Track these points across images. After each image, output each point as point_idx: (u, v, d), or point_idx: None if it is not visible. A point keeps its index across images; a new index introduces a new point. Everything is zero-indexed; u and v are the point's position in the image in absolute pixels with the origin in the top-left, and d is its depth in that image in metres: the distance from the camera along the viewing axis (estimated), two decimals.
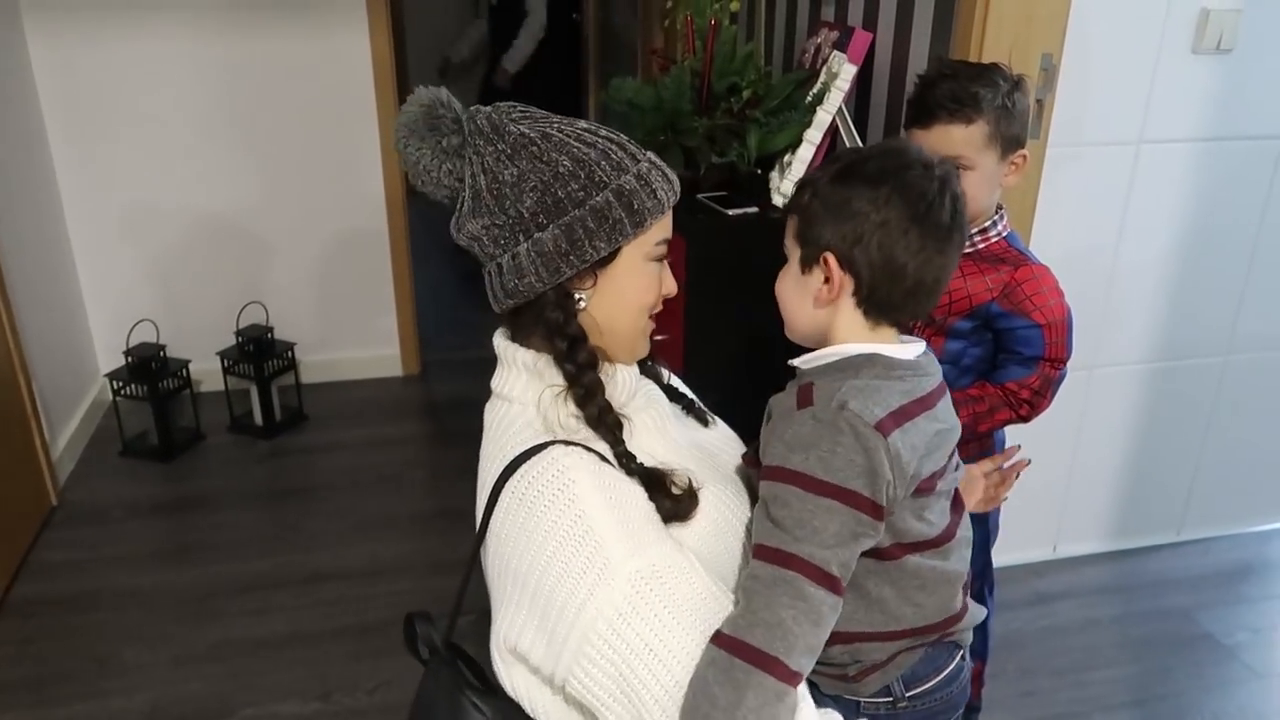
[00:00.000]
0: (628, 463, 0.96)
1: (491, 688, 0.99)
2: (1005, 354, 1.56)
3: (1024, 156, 1.53)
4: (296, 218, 3.28)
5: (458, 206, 1.00)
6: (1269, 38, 2.05)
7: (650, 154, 1.02)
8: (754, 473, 1.02)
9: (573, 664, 0.87)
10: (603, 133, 0.99)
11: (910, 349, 0.98)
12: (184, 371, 3.04)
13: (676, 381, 1.20)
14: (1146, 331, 2.31)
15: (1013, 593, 2.34)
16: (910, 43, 2.12)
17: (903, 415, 0.92)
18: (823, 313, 0.98)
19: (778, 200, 2.23)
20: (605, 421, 0.97)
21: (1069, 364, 1.55)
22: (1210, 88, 2.08)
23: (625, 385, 1.04)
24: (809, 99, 2.23)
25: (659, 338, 1.11)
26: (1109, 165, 2.11)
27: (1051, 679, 2.12)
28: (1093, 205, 2.14)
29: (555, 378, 0.99)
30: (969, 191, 1.49)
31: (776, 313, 1.04)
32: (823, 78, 2.26)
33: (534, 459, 0.93)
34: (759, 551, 0.89)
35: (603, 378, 1.00)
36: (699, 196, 2.28)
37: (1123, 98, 2.05)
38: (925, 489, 0.95)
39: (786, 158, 2.25)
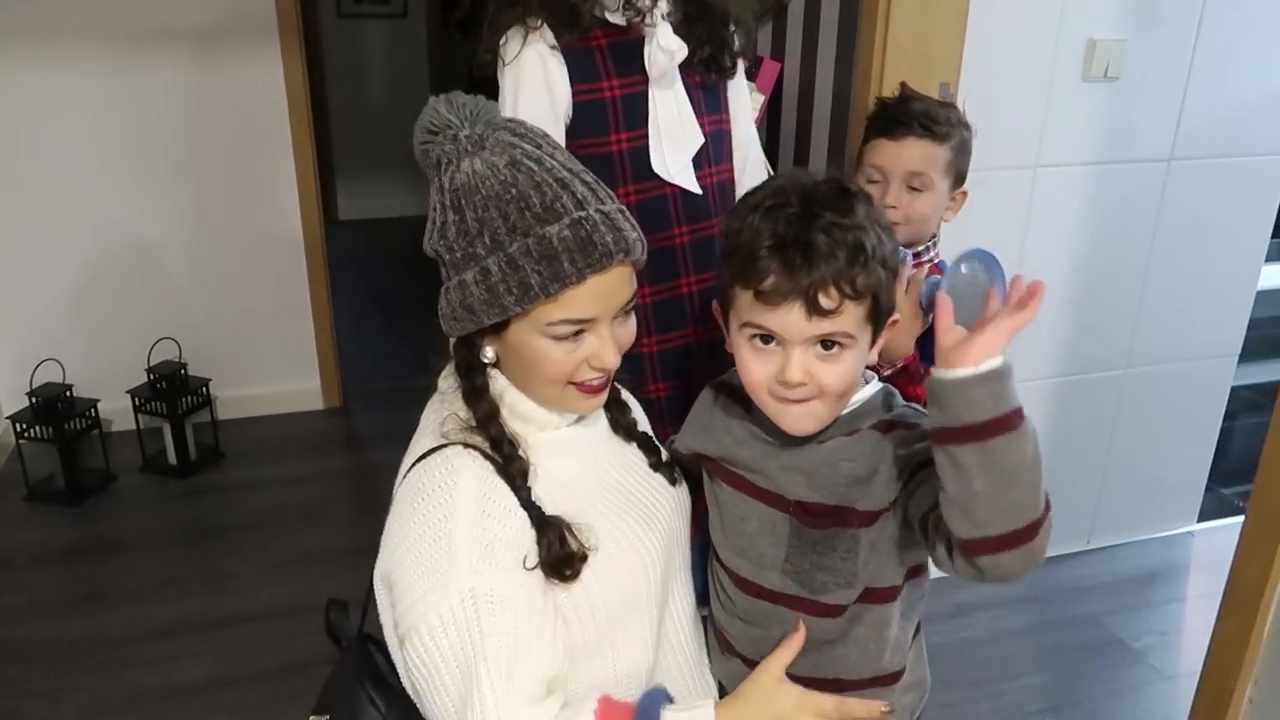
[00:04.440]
0: (525, 497, 0.93)
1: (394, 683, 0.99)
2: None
3: (964, 193, 1.57)
4: (209, 252, 3.22)
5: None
6: (1152, 66, 2.16)
7: (603, 202, 0.92)
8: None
9: (402, 649, 0.90)
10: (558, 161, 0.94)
11: None
12: (92, 411, 2.95)
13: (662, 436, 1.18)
14: (1051, 347, 2.39)
15: (932, 607, 2.35)
16: (816, 72, 2.18)
17: None
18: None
19: None
20: (503, 451, 0.95)
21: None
22: (1100, 114, 2.18)
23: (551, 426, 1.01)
24: None
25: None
26: (1009, 189, 2.18)
27: (970, 690, 2.16)
28: (996, 227, 2.20)
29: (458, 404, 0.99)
30: (923, 211, 1.52)
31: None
32: None
33: (431, 456, 0.94)
34: None
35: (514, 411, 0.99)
36: None
37: (1019, 124, 2.13)
38: None
39: None
